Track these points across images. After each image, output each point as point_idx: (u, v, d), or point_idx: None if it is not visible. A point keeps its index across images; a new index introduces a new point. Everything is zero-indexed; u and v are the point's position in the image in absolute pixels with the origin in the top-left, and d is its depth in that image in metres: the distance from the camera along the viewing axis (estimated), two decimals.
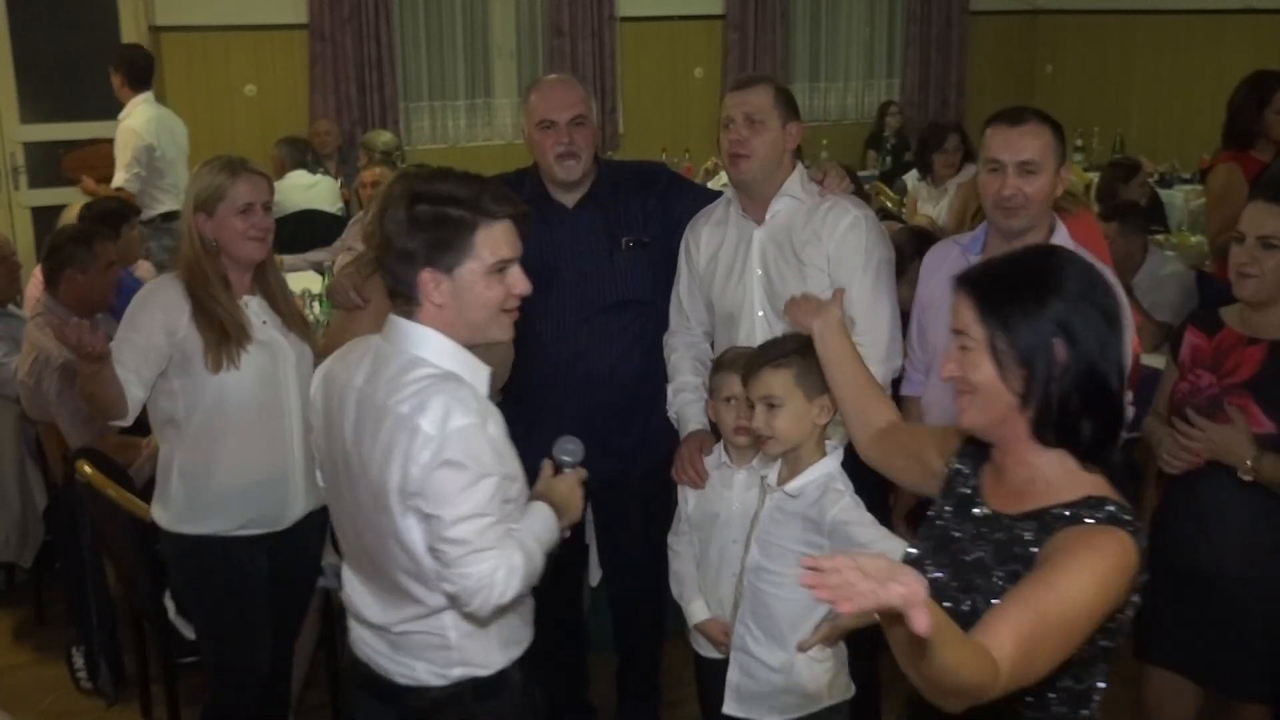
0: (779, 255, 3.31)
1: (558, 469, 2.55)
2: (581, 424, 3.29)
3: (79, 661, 4.35)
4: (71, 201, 6.08)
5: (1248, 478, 2.88)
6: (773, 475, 2.84)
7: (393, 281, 2.27)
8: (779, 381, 2.72)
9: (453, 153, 9.34)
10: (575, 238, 3.52)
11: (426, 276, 2.22)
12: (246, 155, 7.93)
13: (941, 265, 3.21)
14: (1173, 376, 3.11)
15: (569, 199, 3.55)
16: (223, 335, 3.10)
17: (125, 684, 4.28)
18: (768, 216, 3.33)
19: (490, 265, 2.24)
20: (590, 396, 3.49)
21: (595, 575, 4.03)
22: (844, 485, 2.76)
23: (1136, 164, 6.32)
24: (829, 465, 2.77)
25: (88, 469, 3.68)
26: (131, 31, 8.23)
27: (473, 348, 2.32)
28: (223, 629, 3.33)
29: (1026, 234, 3.00)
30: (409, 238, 2.21)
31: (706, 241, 3.44)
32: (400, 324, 2.29)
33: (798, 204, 3.31)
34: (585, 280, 3.52)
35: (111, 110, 8.07)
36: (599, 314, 3.52)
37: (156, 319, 3.12)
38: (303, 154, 7.67)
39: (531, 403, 3.46)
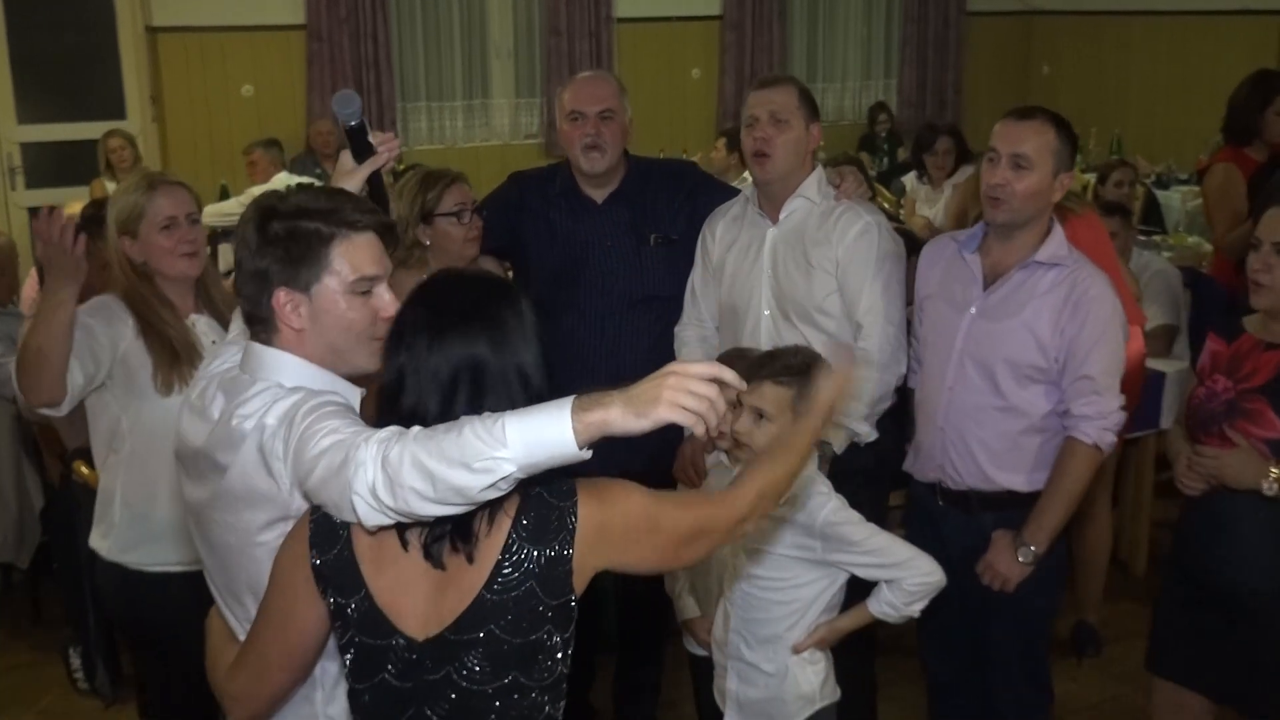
0: (789, 256, 3.32)
1: (350, 136, 2.42)
2: None
3: (76, 662, 4.34)
4: (67, 201, 6.06)
5: (1271, 492, 2.82)
6: None
7: (248, 306, 2.08)
8: (775, 397, 2.70)
9: (450, 153, 9.33)
10: (604, 233, 3.55)
11: (282, 298, 2.01)
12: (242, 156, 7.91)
13: (938, 261, 3.23)
14: (1193, 383, 3.08)
15: (598, 194, 3.57)
16: (174, 356, 2.93)
17: (123, 684, 4.28)
18: (782, 216, 3.35)
19: (350, 283, 2.02)
20: None
21: None
22: (825, 486, 2.76)
23: (1115, 165, 6.32)
24: (808, 469, 2.76)
25: (84, 469, 3.67)
26: (129, 32, 8.24)
27: None
28: (161, 665, 3.15)
29: (1018, 233, 3.03)
30: (260, 256, 2.01)
31: (722, 236, 3.47)
32: (255, 350, 2.07)
33: (812, 206, 3.33)
34: (613, 276, 3.54)
35: (108, 111, 8.11)
36: (626, 309, 3.54)
37: (101, 326, 2.98)
38: (281, 154, 7.64)
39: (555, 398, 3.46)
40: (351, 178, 2.48)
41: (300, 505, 1.95)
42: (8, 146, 8.12)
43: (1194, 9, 9.69)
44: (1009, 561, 3.04)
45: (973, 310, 3.08)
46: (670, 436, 3.44)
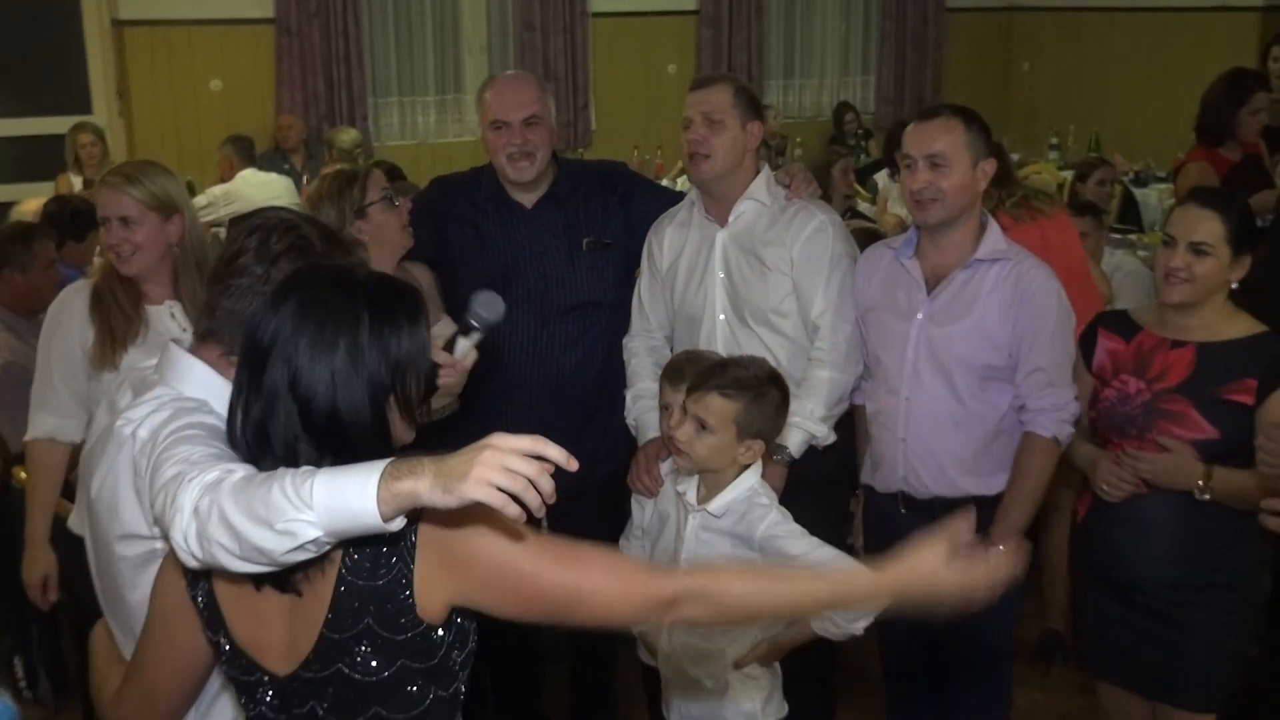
0: (742, 258, 3.25)
1: (465, 330, 2.31)
2: (542, 429, 3.18)
3: (20, 670, 4.25)
4: (24, 198, 5.96)
5: (1205, 496, 2.81)
6: (691, 492, 2.76)
7: (224, 319, 1.96)
8: (719, 409, 2.64)
9: (422, 149, 9.24)
10: (535, 238, 3.44)
11: None
12: (212, 152, 7.85)
13: (876, 270, 3.19)
14: (1088, 383, 3.05)
15: (528, 199, 3.47)
16: (110, 338, 3.00)
17: (68, 692, 4.18)
18: (731, 219, 3.27)
19: None
20: (551, 401, 3.41)
21: None
22: (768, 499, 2.69)
23: (1096, 163, 6.24)
24: (750, 479, 2.69)
25: (23, 474, 3.57)
26: (95, 25, 8.13)
27: None
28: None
29: (952, 232, 3.01)
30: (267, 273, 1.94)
31: (669, 243, 3.38)
32: (171, 352, 2.00)
33: (762, 207, 3.26)
34: (545, 282, 3.44)
35: (73, 105, 7.99)
36: (559, 316, 3.44)
37: (71, 334, 3.05)
38: (250, 151, 7.55)
39: (489, 408, 3.37)
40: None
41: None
42: None
43: (1174, 5, 9.64)
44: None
45: (920, 316, 3.03)
46: (623, 449, 3.36)
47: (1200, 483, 2.80)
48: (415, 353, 1.70)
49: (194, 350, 2.01)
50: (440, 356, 2.43)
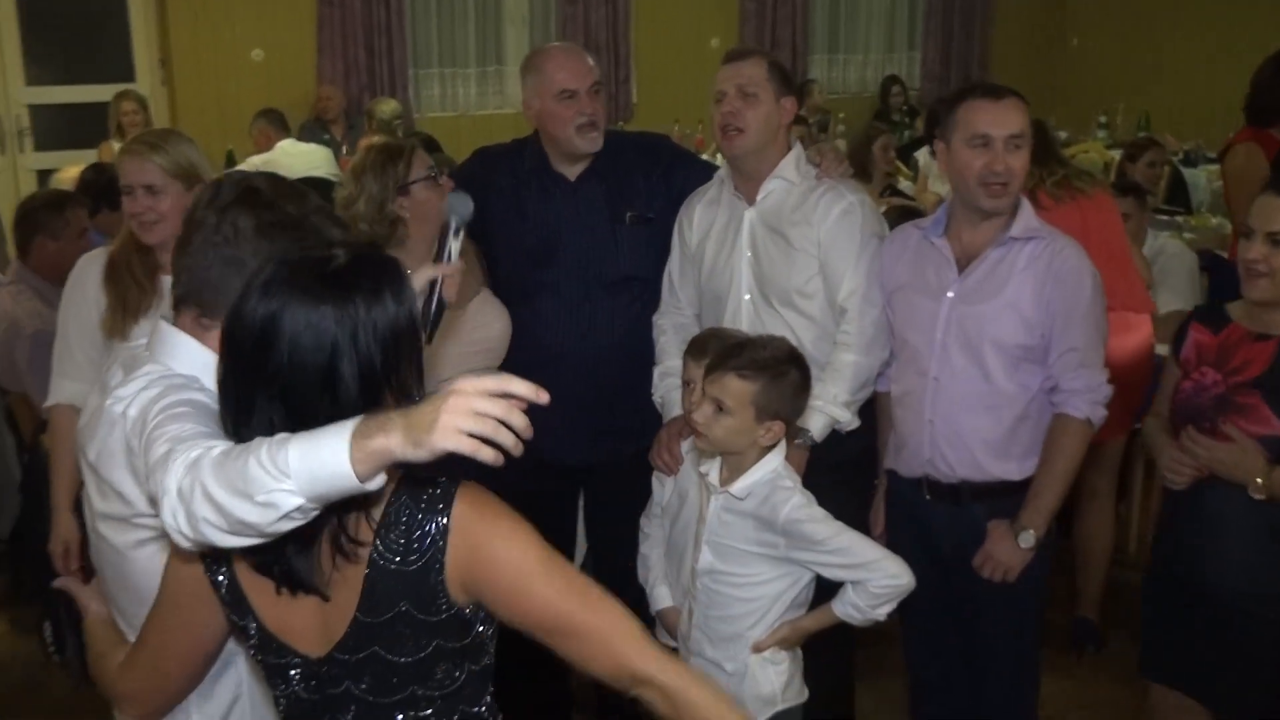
0: (768, 237, 3.20)
1: (444, 234, 2.32)
2: (581, 404, 3.24)
3: (49, 635, 4.27)
4: (66, 165, 5.99)
5: (1259, 496, 2.73)
6: (714, 473, 2.72)
7: (197, 286, 1.92)
8: (737, 391, 2.59)
9: (463, 121, 9.21)
10: (577, 211, 3.41)
11: None
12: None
13: (904, 251, 3.13)
14: (1175, 375, 2.98)
15: (571, 171, 3.42)
16: (122, 307, 2.99)
17: None
18: (759, 197, 3.23)
19: None
20: (592, 376, 3.37)
21: (579, 557, 3.93)
22: (792, 481, 2.65)
23: (1146, 144, 6.10)
24: (774, 462, 2.64)
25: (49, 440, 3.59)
26: None
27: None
28: None
29: (996, 215, 2.96)
30: (254, 252, 1.89)
31: (699, 220, 3.34)
32: (160, 329, 1.98)
33: (790, 186, 3.21)
34: (587, 255, 3.40)
35: (116, 73, 8.04)
36: (601, 290, 3.40)
37: (88, 301, 3.06)
38: (283, 122, 7.56)
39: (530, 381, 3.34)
40: (418, 275, 2.38)
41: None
42: (16, 109, 8.07)
43: None
44: (1009, 549, 2.97)
45: (950, 294, 2.98)
46: (658, 426, 3.33)
47: (1259, 480, 2.72)
48: (405, 330, 1.65)
49: (175, 321, 1.99)
50: (435, 270, 2.43)
